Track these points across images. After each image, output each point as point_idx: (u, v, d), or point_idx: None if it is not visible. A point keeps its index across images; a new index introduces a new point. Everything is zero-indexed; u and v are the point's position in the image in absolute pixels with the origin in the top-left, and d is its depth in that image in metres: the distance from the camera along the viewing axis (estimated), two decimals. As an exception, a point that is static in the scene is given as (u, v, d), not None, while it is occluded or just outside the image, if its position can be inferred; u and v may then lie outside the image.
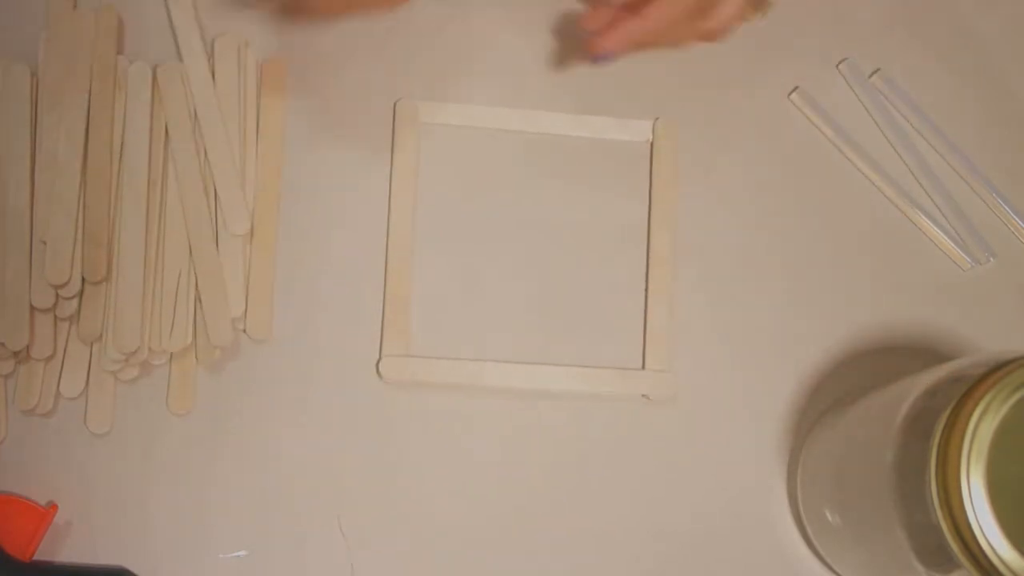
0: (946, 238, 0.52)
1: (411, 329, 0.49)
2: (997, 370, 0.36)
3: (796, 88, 0.53)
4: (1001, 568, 0.35)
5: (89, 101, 0.49)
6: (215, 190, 0.49)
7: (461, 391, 0.49)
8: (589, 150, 0.52)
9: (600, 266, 0.51)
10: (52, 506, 0.45)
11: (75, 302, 0.47)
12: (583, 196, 0.51)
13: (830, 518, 0.45)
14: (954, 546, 0.35)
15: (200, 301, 0.47)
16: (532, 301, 0.50)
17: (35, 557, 0.44)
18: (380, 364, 0.48)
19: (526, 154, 0.51)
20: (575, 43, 0.51)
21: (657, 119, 0.52)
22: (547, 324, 0.50)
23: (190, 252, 0.48)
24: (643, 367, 0.49)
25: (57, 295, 0.46)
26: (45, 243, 0.46)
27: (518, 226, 0.51)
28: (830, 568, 0.48)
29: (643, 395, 0.49)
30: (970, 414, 0.36)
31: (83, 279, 0.47)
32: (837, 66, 0.54)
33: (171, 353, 0.47)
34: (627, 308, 0.50)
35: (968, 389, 0.36)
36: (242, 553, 0.47)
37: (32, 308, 0.46)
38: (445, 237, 0.50)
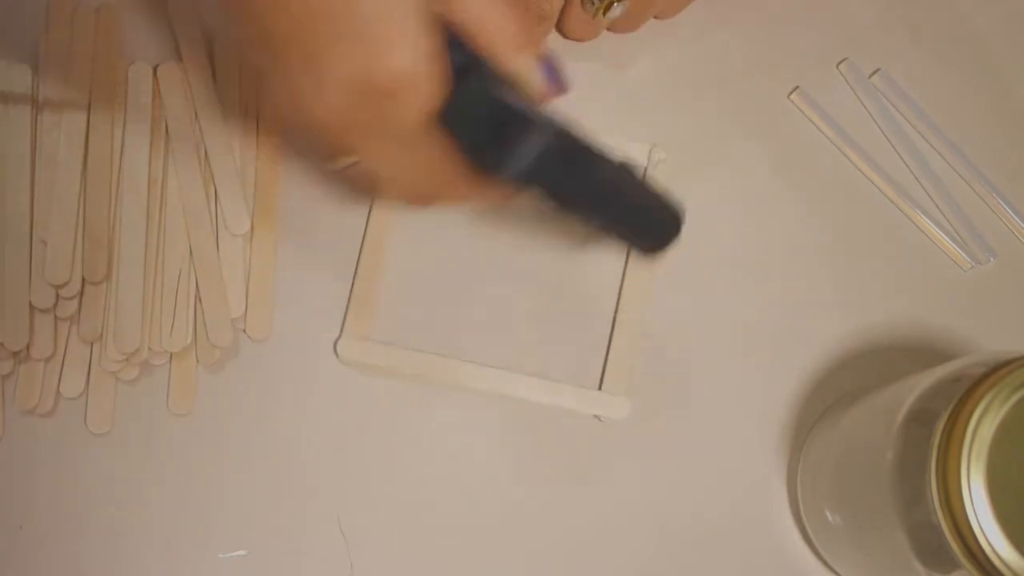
0: (946, 238, 0.52)
1: (380, 322, 0.49)
2: (997, 370, 0.36)
3: (796, 88, 0.53)
4: (1001, 568, 0.35)
5: (89, 101, 0.49)
6: (215, 190, 0.49)
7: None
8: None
9: (578, 282, 0.50)
10: None
11: (75, 302, 0.47)
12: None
13: (830, 518, 0.45)
14: (954, 546, 0.35)
15: (200, 301, 0.48)
16: (504, 304, 0.50)
17: None
18: (338, 347, 0.48)
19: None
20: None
21: (653, 146, 0.51)
22: (517, 331, 0.50)
23: (190, 252, 0.48)
24: (600, 388, 0.49)
25: (57, 295, 0.46)
26: (45, 243, 0.47)
27: (500, 229, 0.51)
28: (830, 568, 0.48)
29: (595, 415, 0.49)
30: (970, 414, 0.36)
31: (83, 279, 0.47)
32: (837, 66, 0.54)
33: (171, 353, 0.47)
34: (596, 327, 0.50)
35: (968, 389, 0.36)
36: (242, 553, 0.47)
37: (32, 308, 0.46)
38: (424, 235, 0.50)
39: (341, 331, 0.49)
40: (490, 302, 0.50)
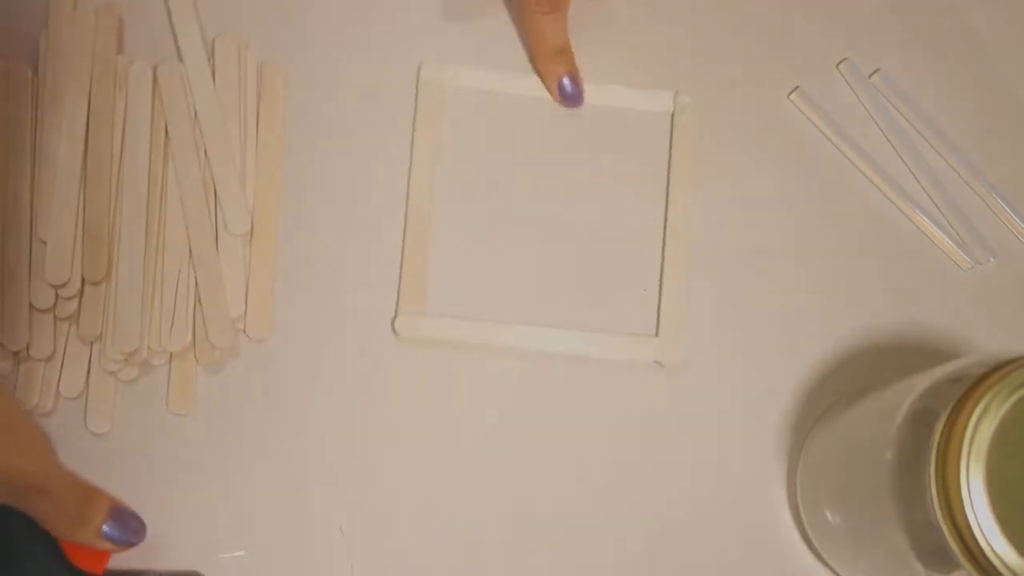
0: (946, 238, 0.52)
1: (426, 308, 0.49)
2: (997, 370, 0.36)
3: (796, 88, 0.53)
4: (1001, 568, 0.35)
5: (89, 101, 0.49)
6: (215, 190, 0.49)
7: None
8: (611, 120, 0.52)
9: (617, 235, 0.51)
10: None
11: (75, 302, 0.47)
12: (604, 164, 0.52)
13: (830, 518, 0.45)
14: (954, 546, 0.35)
15: (200, 301, 0.47)
16: (549, 265, 0.50)
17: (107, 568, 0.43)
18: (396, 324, 0.48)
19: (549, 120, 0.52)
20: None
21: (677, 92, 0.52)
22: (563, 288, 0.50)
23: (190, 252, 0.48)
24: (656, 334, 0.50)
25: (57, 295, 0.46)
26: (45, 243, 0.47)
27: (538, 192, 0.51)
28: (830, 568, 0.48)
29: (656, 361, 0.49)
30: (970, 414, 0.36)
31: (83, 279, 0.47)
32: (837, 66, 0.54)
33: (171, 353, 0.47)
34: (643, 277, 0.50)
35: (968, 389, 0.36)
36: (241, 553, 0.47)
37: (32, 308, 0.46)
38: (464, 202, 0.51)
39: (396, 309, 0.49)
40: (534, 266, 0.50)
